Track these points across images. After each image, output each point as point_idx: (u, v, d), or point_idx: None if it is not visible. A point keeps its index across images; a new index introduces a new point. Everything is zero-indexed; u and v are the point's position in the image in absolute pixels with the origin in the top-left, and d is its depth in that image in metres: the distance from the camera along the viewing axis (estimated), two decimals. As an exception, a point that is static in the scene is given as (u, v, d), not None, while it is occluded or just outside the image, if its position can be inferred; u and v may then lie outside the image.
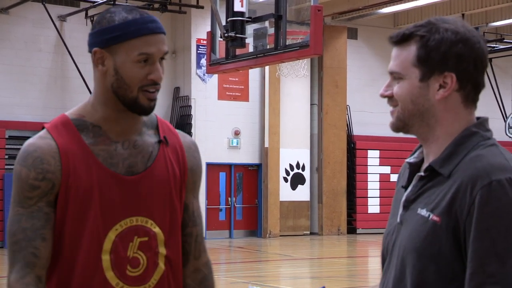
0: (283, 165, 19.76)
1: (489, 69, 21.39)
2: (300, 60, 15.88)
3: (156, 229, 1.91)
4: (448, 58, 1.64)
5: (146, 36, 1.86)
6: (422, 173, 1.68)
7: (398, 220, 1.70)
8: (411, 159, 1.75)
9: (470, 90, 1.67)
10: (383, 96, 1.73)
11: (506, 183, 1.55)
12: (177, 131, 2.04)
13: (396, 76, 1.69)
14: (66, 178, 1.84)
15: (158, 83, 1.88)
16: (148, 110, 1.89)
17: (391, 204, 1.83)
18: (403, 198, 1.70)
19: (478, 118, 1.71)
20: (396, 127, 1.72)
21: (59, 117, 1.93)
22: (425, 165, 1.70)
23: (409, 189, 1.70)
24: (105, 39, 1.87)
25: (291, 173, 20.02)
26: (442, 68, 1.64)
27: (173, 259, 1.95)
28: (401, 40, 1.69)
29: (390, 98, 1.71)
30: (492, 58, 21.25)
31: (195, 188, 2.04)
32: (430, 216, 1.60)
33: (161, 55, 1.89)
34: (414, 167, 1.74)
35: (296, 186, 20.11)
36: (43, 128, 1.92)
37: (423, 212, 1.63)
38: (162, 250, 1.92)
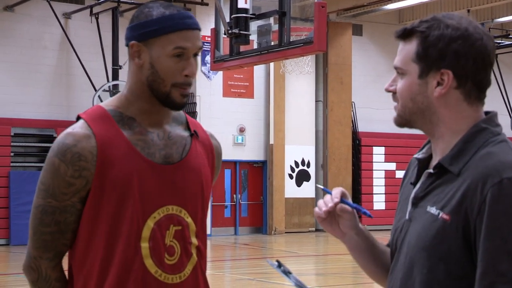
0: (288, 162, 19.76)
1: (494, 65, 21.34)
2: (305, 57, 15.85)
3: (189, 220, 1.96)
4: (445, 55, 1.63)
5: (182, 31, 1.91)
6: (431, 170, 1.67)
7: (407, 217, 1.69)
8: (419, 155, 1.74)
9: (472, 87, 1.65)
10: (387, 90, 1.73)
11: None
12: (206, 130, 2.11)
13: (399, 72, 1.69)
14: (101, 172, 1.87)
15: (191, 81, 1.94)
16: (180, 105, 1.94)
17: (396, 201, 1.83)
18: (412, 195, 1.69)
19: (487, 113, 1.69)
20: (398, 123, 1.72)
21: (95, 108, 1.96)
22: (433, 161, 1.70)
23: (418, 186, 1.69)
24: (142, 33, 1.91)
25: (296, 170, 20.02)
26: (439, 64, 1.63)
27: (203, 250, 2.00)
28: (404, 35, 1.69)
29: (394, 94, 1.71)
30: (497, 54, 21.20)
31: (213, 183, 2.13)
32: (440, 215, 1.59)
33: (196, 50, 1.94)
34: (423, 163, 1.72)
35: (301, 183, 20.10)
36: (78, 117, 1.94)
37: (433, 210, 1.61)
38: (194, 240, 1.97)
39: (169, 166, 1.94)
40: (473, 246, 1.56)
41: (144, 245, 1.88)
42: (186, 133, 2.02)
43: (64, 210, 1.88)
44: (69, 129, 1.91)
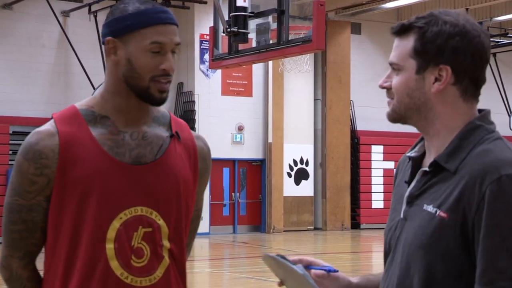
0: (287, 160, 19.76)
1: (493, 64, 21.35)
2: (303, 55, 15.86)
3: (161, 222, 1.90)
4: (444, 51, 1.62)
5: (158, 26, 1.87)
6: (426, 169, 1.65)
7: (402, 215, 1.68)
8: (411, 153, 1.73)
9: (468, 84, 1.65)
10: (381, 87, 1.72)
11: None
12: (193, 132, 2.05)
13: (395, 68, 1.68)
14: (62, 171, 1.85)
15: (169, 74, 1.89)
16: (159, 101, 1.90)
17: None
18: (407, 194, 1.68)
19: (480, 111, 1.68)
20: (392, 118, 1.70)
21: (68, 108, 1.95)
22: (427, 159, 1.68)
23: (413, 184, 1.68)
24: (117, 28, 1.89)
25: (295, 168, 20.02)
26: (437, 60, 1.62)
27: (177, 253, 1.94)
28: (400, 31, 1.68)
29: (389, 90, 1.69)
30: (496, 53, 21.20)
31: (203, 188, 2.06)
32: (437, 213, 1.58)
33: (173, 46, 1.89)
34: (416, 161, 1.71)
35: (300, 182, 20.10)
36: (52, 118, 1.94)
37: (430, 208, 1.60)
38: (166, 243, 1.91)
39: (140, 167, 1.89)
40: (471, 243, 1.55)
41: (109, 246, 1.85)
42: (165, 134, 1.96)
43: (30, 208, 1.87)
44: (37, 129, 1.91)
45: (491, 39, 20.42)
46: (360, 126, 20.86)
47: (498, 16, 20.41)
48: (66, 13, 17.58)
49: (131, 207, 1.87)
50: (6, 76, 16.98)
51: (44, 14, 17.19)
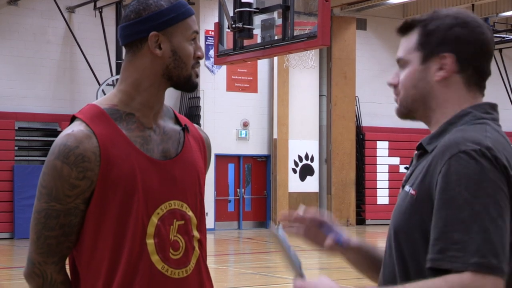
0: (292, 156, 19.75)
1: (499, 59, 21.29)
2: (308, 51, 15.84)
3: (190, 213, 1.97)
4: (447, 40, 1.67)
5: (192, 16, 1.98)
6: (416, 152, 1.72)
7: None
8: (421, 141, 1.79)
9: (472, 73, 1.69)
10: (390, 84, 1.76)
11: (474, 153, 1.55)
12: (194, 124, 2.11)
13: (401, 63, 1.74)
14: (105, 173, 1.86)
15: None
16: (197, 85, 2.00)
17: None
18: (404, 178, 1.74)
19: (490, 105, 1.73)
20: (400, 113, 1.75)
21: (90, 107, 1.93)
22: None
23: (410, 169, 1.75)
24: (160, 22, 1.92)
25: (300, 164, 20.01)
26: (441, 49, 1.68)
27: (203, 243, 2.01)
28: (405, 29, 1.74)
29: (396, 87, 1.74)
30: (502, 49, 21.14)
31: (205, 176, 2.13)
32: (410, 191, 1.64)
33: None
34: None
35: (305, 177, 20.10)
36: (73, 117, 1.92)
37: (407, 188, 1.66)
38: (196, 233, 1.97)
39: (168, 161, 1.94)
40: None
41: (150, 242, 1.88)
42: (178, 127, 2.02)
43: (68, 212, 1.86)
44: (68, 131, 1.87)
45: (497, 35, 20.44)
46: (365, 122, 20.83)
47: (504, 11, 20.34)
48: (71, 9, 17.59)
49: (166, 201, 1.92)
50: (12, 72, 17.01)
51: (50, 10, 17.20)
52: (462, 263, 1.50)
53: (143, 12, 1.92)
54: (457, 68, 1.67)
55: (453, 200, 1.54)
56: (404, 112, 1.74)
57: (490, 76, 1.72)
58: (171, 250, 1.91)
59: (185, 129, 2.02)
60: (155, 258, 1.89)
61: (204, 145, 2.08)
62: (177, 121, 2.04)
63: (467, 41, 1.67)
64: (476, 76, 1.69)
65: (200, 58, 1.97)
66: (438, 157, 1.59)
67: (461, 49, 1.67)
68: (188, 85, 1.97)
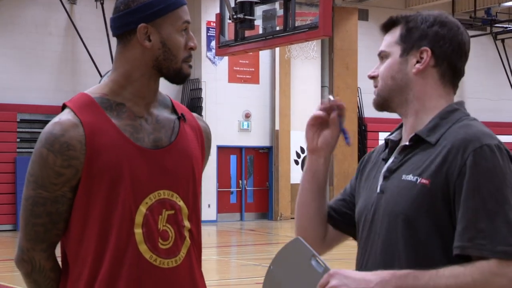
0: (294, 147, 19.74)
1: (501, 50, 21.23)
2: (310, 42, 15.80)
3: (181, 203, 1.94)
4: (426, 35, 1.80)
5: (183, 6, 1.94)
6: (406, 143, 1.79)
7: (378, 190, 1.81)
8: (391, 137, 1.88)
9: (446, 68, 1.80)
10: (370, 76, 1.86)
11: (495, 148, 1.68)
12: (193, 113, 2.09)
13: (383, 56, 1.84)
14: (90, 161, 1.86)
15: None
16: (188, 76, 1.96)
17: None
18: (384, 169, 1.82)
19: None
20: (377, 103, 1.85)
21: (80, 96, 1.93)
22: (403, 141, 1.82)
23: (391, 160, 1.82)
24: (149, 14, 1.89)
25: (302, 155, 20.01)
26: (420, 44, 1.80)
27: (195, 233, 1.99)
28: (389, 25, 1.87)
29: (375, 79, 1.85)
30: (504, 39, 21.08)
31: (204, 166, 2.11)
32: (418, 180, 1.72)
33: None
34: (394, 144, 1.86)
35: (307, 169, 20.08)
36: (64, 106, 1.92)
37: (410, 177, 1.74)
38: (187, 223, 1.95)
39: (159, 151, 1.93)
40: (453, 205, 1.69)
41: (138, 231, 1.87)
42: (173, 116, 2.00)
43: (55, 200, 1.87)
44: (56, 119, 1.88)
45: (499, 25, 20.38)
46: (367, 113, 20.80)
47: (506, 1, 20.26)
48: (72, 1, 17.55)
49: (155, 191, 1.90)
50: (14, 64, 17.00)
51: (51, 2, 17.17)
52: (489, 251, 1.64)
53: (132, 4, 1.91)
54: (433, 62, 1.79)
55: (478, 191, 1.66)
56: (381, 102, 1.84)
57: (463, 76, 1.83)
58: (160, 240, 1.90)
59: (180, 118, 2.00)
60: (143, 247, 1.88)
61: (201, 134, 2.06)
62: (174, 110, 2.02)
63: (445, 39, 1.79)
64: (449, 72, 1.80)
65: (192, 48, 1.94)
66: (458, 149, 1.68)
67: (438, 45, 1.79)
68: (178, 77, 1.94)
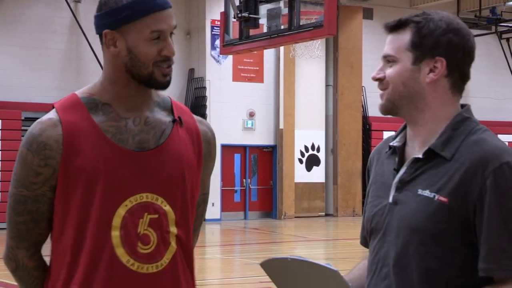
0: (298, 146, 19.74)
1: (506, 49, 21.17)
2: (315, 41, 15.80)
3: (167, 208, 1.89)
4: (440, 44, 1.76)
5: (156, 13, 1.85)
6: (420, 156, 1.76)
7: (391, 200, 1.78)
8: (395, 143, 1.85)
9: (458, 78, 1.79)
10: (374, 78, 1.83)
11: None
12: (195, 116, 2.03)
13: (389, 60, 1.81)
14: (67, 161, 1.84)
15: (171, 59, 1.88)
16: (165, 84, 1.89)
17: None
18: (396, 180, 1.79)
19: (461, 106, 1.82)
20: (385, 109, 1.82)
21: (68, 96, 1.94)
22: (410, 148, 1.81)
23: (403, 171, 1.79)
24: (114, 20, 1.86)
25: (306, 154, 20.00)
26: (434, 53, 1.76)
27: (184, 239, 1.93)
28: (397, 26, 1.82)
29: (381, 81, 1.81)
30: (509, 38, 21.02)
31: (209, 172, 2.05)
32: (436, 197, 1.70)
33: (171, 30, 1.88)
34: (400, 151, 1.83)
35: (311, 168, 20.09)
36: (53, 107, 1.92)
37: (426, 193, 1.72)
38: (173, 229, 1.90)
39: (143, 153, 1.88)
40: (472, 224, 1.68)
41: (115, 234, 1.84)
42: (168, 119, 1.94)
43: (36, 199, 1.87)
44: (39, 119, 1.90)
45: (505, 24, 20.32)
46: (372, 112, 20.78)
47: (511, 0, 20.20)
48: (77, -1, 17.58)
49: (136, 194, 1.86)
50: (18, 62, 17.03)
51: (56, 0, 17.19)
52: None
53: (103, 7, 1.88)
54: (446, 72, 1.77)
55: (500, 212, 1.66)
56: (390, 107, 1.81)
57: (469, 80, 1.82)
58: (139, 244, 1.85)
59: (176, 121, 1.95)
60: (120, 251, 1.84)
61: (199, 138, 1.99)
62: (171, 112, 1.96)
63: (458, 48, 1.76)
64: (460, 80, 1.79)
65: (167, 56, 1.86)
66: (477, 168, 1.68)
67: (452, 54, 1.76)
68: (152, 83, 1.88)
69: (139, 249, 1.85)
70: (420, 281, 1.70)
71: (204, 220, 1.98)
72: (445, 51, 1.76)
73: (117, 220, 1.84)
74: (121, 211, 1.84)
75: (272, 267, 1.80)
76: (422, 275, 1.70)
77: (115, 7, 1.85)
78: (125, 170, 1.86)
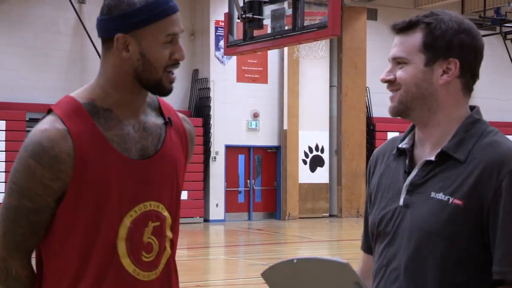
0: (302, 147, 19.73)
1: (511, 50, 21.13)
2: (319, 41, 15.79)
3: (166, 213, 1.89)
4: (453, 46, 1.75)
5: (170, 16, 1.82)
6: (432, 158, 1.74)
7: (402, 203, 1.76)
8: (403, 145, 1.83)
9: (469, 78, 1.78)
10: (384, 80, 1.81)
11: None
12: (179, 114, 2.01)
13: (400, 61, 1.79)
14: (78, 174, 1.80)
15: (179, 63, 1.86)
16: (170, 91, 1.87)
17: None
18: (407, 182, 1.76)
19: (470, 108, 1.81)
20: (397, 111, 1.80)
21: (68, 101, 1.86)
22: (419, 150, 1.79)
23: (414, 173, 1.76)
24: (128, 24, 1.80)
25: (310, 155, 19.99)
26: (447, 54, 1.75)
27: (175, 242, 1.95)
28: (406, 28, 1.80)
29: (391, 83, 1.79)
30: (514, 39, 20.98)
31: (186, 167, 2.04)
32: (450, 200, 1.68)
33: (181, 33, 1.86)
34: (410, 154, 1.81)
35: (315, 169, 20.07)
36: (49, 110, 1.86)
37: (440, 196, 1.70)
38: (169, 234, 1.91)
39: (145, 161, 1.86)
40: (486, 228, 1.66)
41: (121, 244, 1.83)
42: (160, 121, 1.92)
43: (39, 210, 1.81)
44: (43, 126, 1.81)
45: (509, 25, 20.28)
46: (376, 113, 20.76)
47: (516, 1, 20.16)
48: (82, 0, 17.60)
49: (140, 203, 1.85)
50: (23, 62, 17.05)
51: (60, 1, 17.22)
52: None
53: (113, 10, 1.82)
54: (458, 73, 1.76)
55: None
56: (401, 109, 1.79)
57: (478, 79, 1.81)
58: (143, 253, 1.85)
59: (167, 123, 1.92)
60: (126, 261, 1.83)
61: (186, 137, 1.98)
62: (160, 112, 1.94)
63: (470, 48, 1.76)
64: (471, 81, 1.79)
65: (178, 60, 1.84)
66: (492, 170, 1.66)
67: (465, 55, 1.75)
68: (158, 90, 1.85)
69: (143, 257, 1.85)
70: (434, 284, 1.69)
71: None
72: (458, 52, 1.74)
73: (123, 231, 1.83)
74: (126, 221, 1.83)
75: (275, 275, 1.74)
76: (436, 278, 1.69)
77: (129, 11, 1.80)
78: (131, 180, 1.84)
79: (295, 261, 1.70)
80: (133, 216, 1.84)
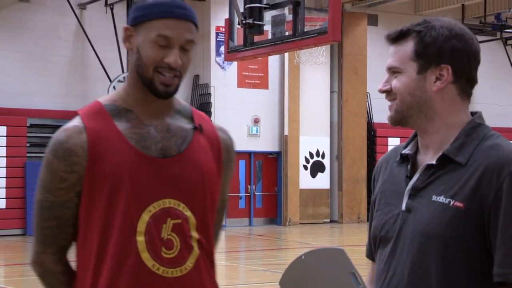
0: (303, 153, 19.73)
1: (511, 55, 21.15)
2: (319, 47, 15.81)
3: (188, 213, 1.91)
4: (444, 52, 1.75)
5: (169, 19, 1.88)
6: (433, 162, 1.75)
7: (404, 208, 1.77)
8: (407, 151, 1.84)
9: (465, 83, 1.78)
10: (381, 91, 1.82)
11: None
12: (215, 124, 2.06)
13: (394, 71, 1.79)
14: (92, 167, 1.87)
15: (173, 68, 1.88)
16: (163, 94, 1.89)
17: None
18: (409, 187, 1.77)
19: (472, 114, 1.81)
20: (394, 120, 1.81)
21: (92, 104, 1.96)
22: (423, 156, 1.80)
23: (416, 178, 1.77)
24: (134, 16, 1.92)
25: (311, 161, 19.98)
26: (439, 61, 1.75)
27: (205, 244, 1.96)
28: (398, 37, 1.81)
29: (389, 93, 1.80)
30: (514, 44, 21.00)
31: (228, 179, 2.07)
32: (451, 203, 1.68)
33: (182, 41, 1.89)
34: (412, 158, 1.82)
35: (316, 174, 20.07)
36: (77, 114, 1.95)
37: (441, 199, 1.70)
38: (195, 234, 1.93)
39: (166, 159, 1.91)
40: (487, 230, 1.66)
41: (140, 239, 1.87)
42: (189, 126, 1.97)
43: (62, 205, 1.90)
44: (65, 126, 1.93)
45: (510, 30, 20.31)
46: (376, 118, 20.76)
47: (516, 7, 20.19)
48: (82, 6, 17.63)
49: (159, 199, 1.89)
50: (23, 68, 17.07)
51: (61, 7, 17.25)
52: None
53: (134, 4, 1.97)
54: (452, 78, 1.75)
55: None
56: (399, 118, 1.80)
57: (477, 83, 1.80)
58: (163, 249, 1.88)
59: (197, 128, 1.98)
60: (145, 255, 1.87)
61: (219, 146, 2.02)
62: (192, 120, 1.99)
63: (462, 53, 1.75)
64: (467, 85, 1.78)
65: (169, 64, 1.87)
66: (493, 172, 1.66)
67: (457, 61, 1.75)
68: (152, 90, 1.90)
69: (163, 253, 1.88)
70: (438, 286, 1.69)
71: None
72: (449, 58, 1.74)
73: (141, 226, 1.87)
74: (145, 217, 1.87)
75: (290, 279, 1.79)
76: (439, 281, 1.69)
77: (140, 5, 1.91)
78: (148, 176, 1.89)
79: (303, 257, 1.77)
80: (151, 211, 1.88)
